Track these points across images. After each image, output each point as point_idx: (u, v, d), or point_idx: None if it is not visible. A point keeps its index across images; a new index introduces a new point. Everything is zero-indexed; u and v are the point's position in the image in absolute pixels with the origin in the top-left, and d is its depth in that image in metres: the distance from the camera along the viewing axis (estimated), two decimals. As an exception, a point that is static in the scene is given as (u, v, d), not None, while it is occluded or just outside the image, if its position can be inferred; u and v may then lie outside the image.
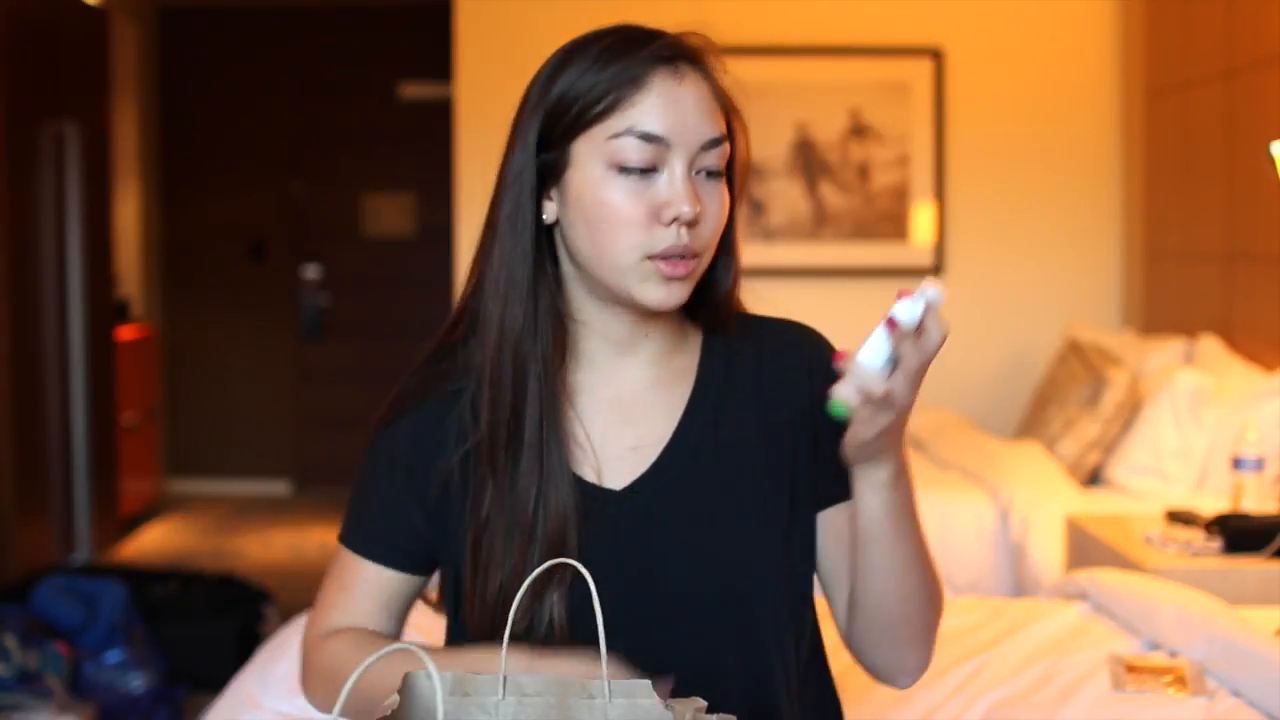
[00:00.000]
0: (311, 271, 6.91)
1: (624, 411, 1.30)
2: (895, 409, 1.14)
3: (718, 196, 1.24)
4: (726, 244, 1.29)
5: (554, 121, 1.23)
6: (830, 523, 1.32)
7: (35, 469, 4.84)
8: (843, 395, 1.13)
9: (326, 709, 1.31)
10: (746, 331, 1.35)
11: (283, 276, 6.93)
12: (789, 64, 4.69)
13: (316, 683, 1.34)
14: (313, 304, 6.92)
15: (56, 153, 5.00)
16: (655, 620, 1.25)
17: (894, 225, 4.71)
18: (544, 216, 1.26)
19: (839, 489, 1.31)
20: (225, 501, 6.65)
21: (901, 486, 1.21)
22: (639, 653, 1.22)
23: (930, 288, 1.11)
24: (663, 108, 1.20)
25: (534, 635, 1.23)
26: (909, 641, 1.29)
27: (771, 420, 1.31)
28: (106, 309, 5.49)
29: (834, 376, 1.18)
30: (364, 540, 1.34)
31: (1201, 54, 4.11)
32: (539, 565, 1.21)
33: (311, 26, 6.85)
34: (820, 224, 4.72)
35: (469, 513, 1.26)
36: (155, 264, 6.85)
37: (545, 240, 1.27)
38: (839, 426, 1.31)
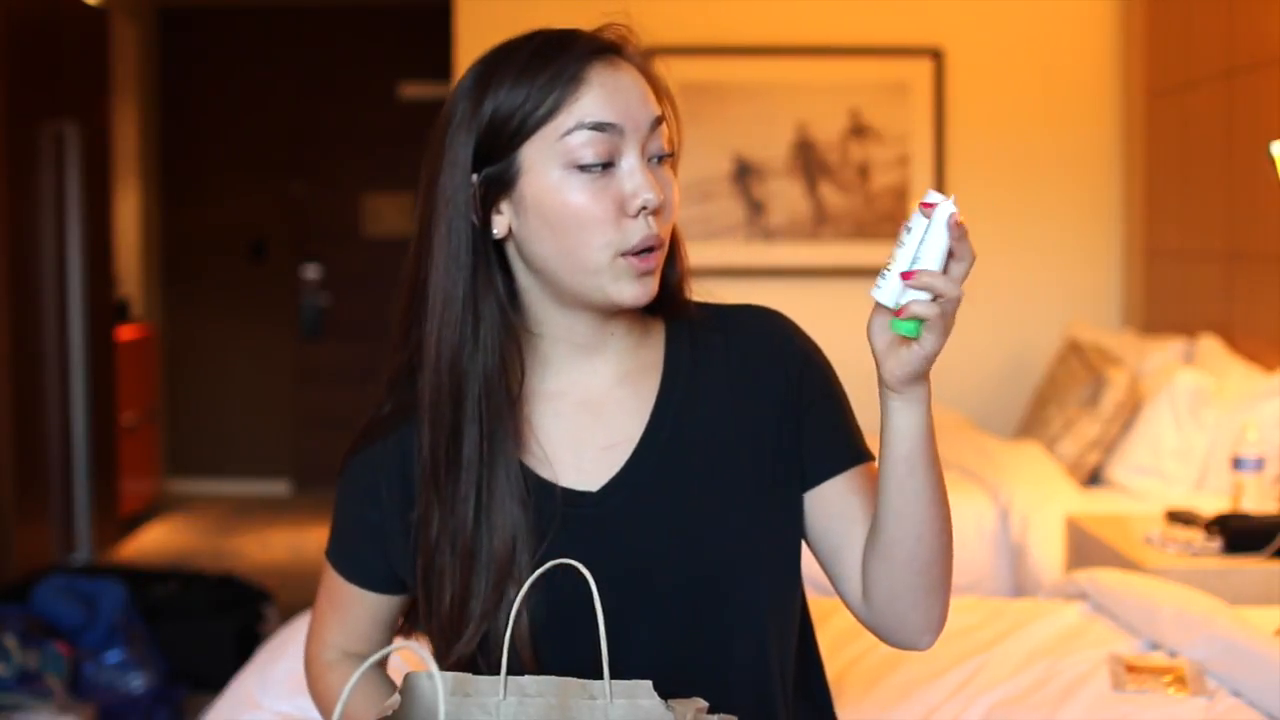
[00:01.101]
0: (311, 271, 6.91)
1: (594, 411, 1.29)
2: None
3: (670, 181, 1.24)
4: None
5: (492, 135, 1.21)
6: (824, 499, 1.30)
7: (35, 469, 4.84)
8: (919, 310, 1.14)
9: None
10: (710, 320, 1.34)
11: (283, 276, 6.93)
12: (789, 64, 4.69)
13: (319, 708, 1.43)
14: (313, 304, 6.92)
15: (56, 153, 5.00)
16: (643, 621, 1.24)
17: (894, 225, 4.70)
18: (494, 231, 1.24)
19: (831, 463, 1.30)
20: (225, 501, 6.65)
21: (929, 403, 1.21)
22: (629, 655, 1.21)
23: (939, 194, 1.13)
24: (607, 96, 1.20)
25: (493, 646, 1.22)
26: (939, 585, 1.26)
27: (746, 407, 1.30)
28: (106, 309, 5.49)
29: (805, 354, 1.24)
30: (345, 564, 1.36)
31: (1201, 54, 4.11)
32: (486, 587, 1.21)
33: (311, 26, 6.85)
34: (820, 224, 4.72)
35: (419, 536, 1.26)
36: (155, 264, 6.85)
37: (494, 255, 1.25)
38: (827, 399, 1.32)
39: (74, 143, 5.07)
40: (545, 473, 1.26)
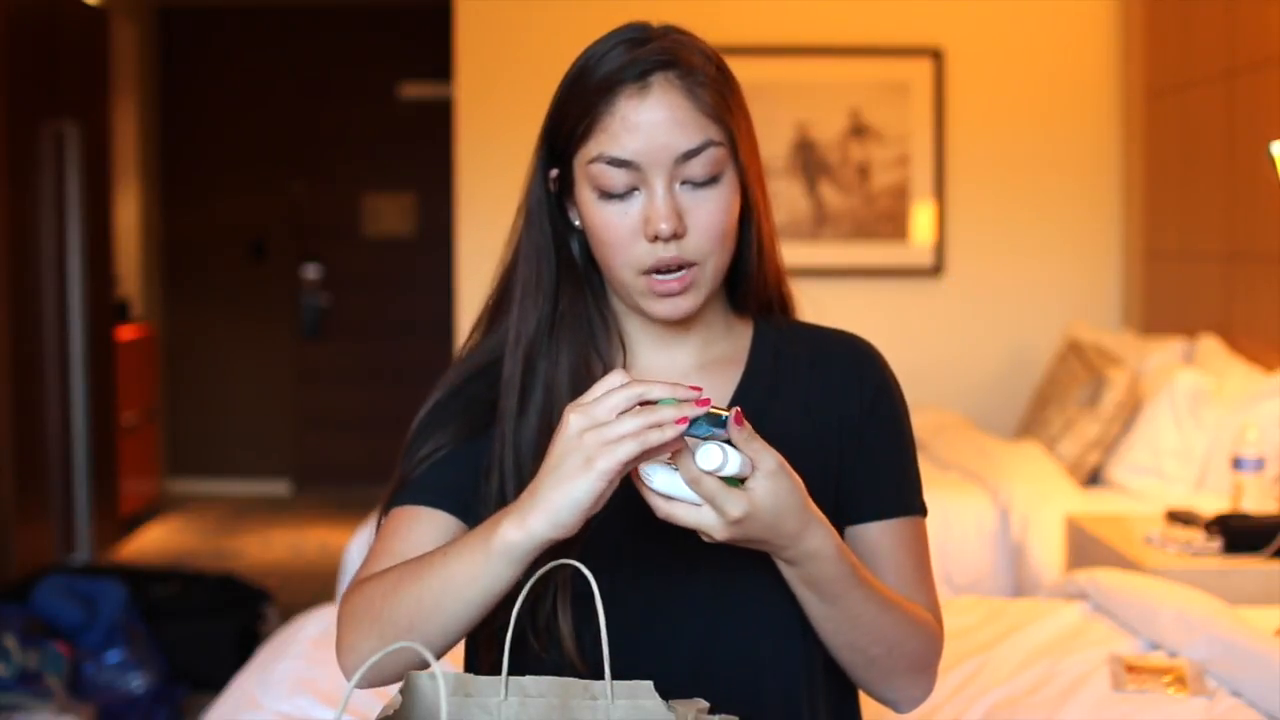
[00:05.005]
0: (311, 271, 6.91)
1: None
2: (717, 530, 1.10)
3: (710, 203, 1.23)
4: (748, 237, 1.31)
5: (553, 138, 1.27)
6: (857, 540, 1.31)
7: (35, 469, 4.84)
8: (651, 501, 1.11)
9: (365, 649, 1.16)
10: (800, 335, 1.37)
11: (283, 276, 6.93)
12: (789, 64, 4.69)
13: (352, 622, 1.19)
14: (313, 304, 6.92)
15: (56, 153, 5.00)
16: (694, 608, 1.25)
17: (894, 225, 4.71)
18: (575, 221, 1.29)
19: (873, 506, 1.31)
20: (225, 501, 6.65)
21: (814, 565, 1.17)
22: (674, 641, 1.23)
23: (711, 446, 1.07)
24: (628, 132, 1.20)
25: (540, 614, 1.22)
26: (873, 683, 1.28)
27: (818, 425, 1.31)
28: (106, 309, 5.49)
29: (884, 390, 1.28)
30: (422, 493, 1.27)
31: (1201, 54, 4.11)
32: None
33: (311, 26, 6.85)
34: (820, 224, 4.72)
35: (481, 484, 1.26)
36: (155, 264, 6.85)
37: (581, 246, 1.30)
38: (891, 439, 1.33)
39: (74, 143, 5.07)
40: None
